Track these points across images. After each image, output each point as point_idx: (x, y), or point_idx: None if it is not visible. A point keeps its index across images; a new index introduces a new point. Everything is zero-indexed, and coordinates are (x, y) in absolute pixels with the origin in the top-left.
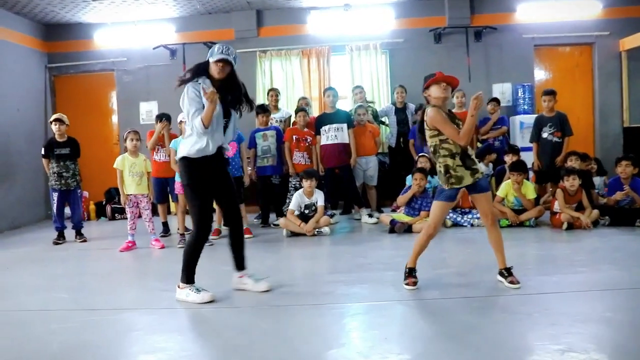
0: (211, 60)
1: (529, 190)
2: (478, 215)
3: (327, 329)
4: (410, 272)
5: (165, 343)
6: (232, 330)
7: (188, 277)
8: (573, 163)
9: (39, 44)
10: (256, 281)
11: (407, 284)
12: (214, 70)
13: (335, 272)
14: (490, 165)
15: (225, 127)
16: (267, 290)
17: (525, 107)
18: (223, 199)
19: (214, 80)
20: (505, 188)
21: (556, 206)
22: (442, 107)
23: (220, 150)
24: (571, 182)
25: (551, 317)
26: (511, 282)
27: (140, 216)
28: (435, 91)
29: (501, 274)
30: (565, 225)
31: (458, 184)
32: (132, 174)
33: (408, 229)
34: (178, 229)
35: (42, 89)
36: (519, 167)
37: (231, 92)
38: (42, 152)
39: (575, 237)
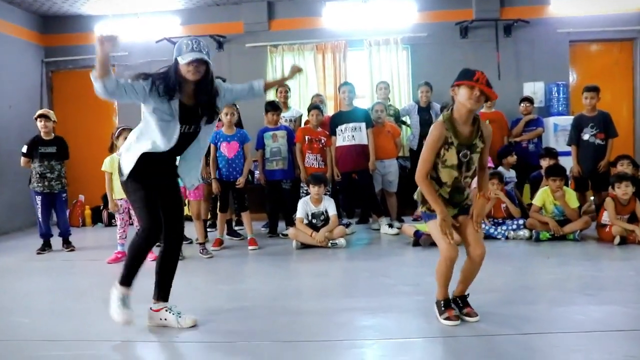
0: (181, 61)
1: (572, 198)
2: (514, 227)
3: None
4: (447, 304)
5: None
6: None
7: (126, 278)
8: (624, 168)
9: (36, 37)
10: (178, 316)
11: (447, 319)
12: (187, 73)
13: (353, 295)
14: (512, 171)
15: (193, 136)
16: (193, 326)
17: (560, 108)
18: (168, 210)
19: (187, 83)
20: (543, 195)
21: (605, 217)
22: (460, 118)
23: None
24: (624, 190)
25: None
26: (468, 314)
27: (132, 224)
28: (463, 95)
29: (454, 301)
30: (617, 240)
31: (430, 212)
32: None
33: (434, 242)
34: (197, 239)
35: (38, 85)
36: (558, 172)
37: (203, 96)
38: (24, 150)
39: (632, 254)
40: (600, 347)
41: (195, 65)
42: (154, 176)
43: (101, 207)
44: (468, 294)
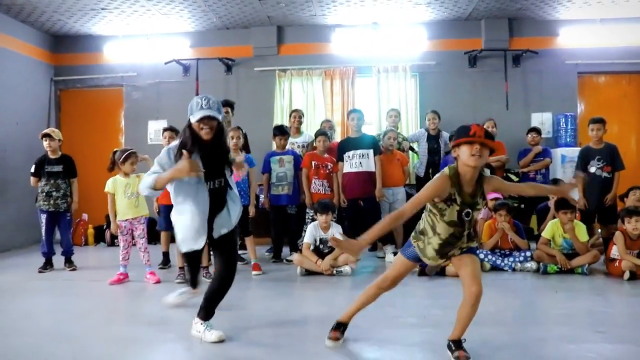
0: (192, 119)
1: (582, 231)
2: (521, 258)
3: None
4: (338, 327)
5: None
6: None
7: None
8: (637, 198)
9: (46, 56)
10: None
11: (329, 338)
12: (200, 131)
13: (358, 325)
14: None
15: (220, 190)
16: (220, 341)
17: (568, 139)
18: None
19: (203, 141)
20: (552, 228)
21: (614, 252)
22: (464, 178)
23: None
24: (634, 225)
25: None
26: (458, 358)
27: (134, 244)
28: (464, 153)
29: (449, 346)
30: (627, 275)
31: (421, 254)
32: (127, 196)
33: (441, 272)
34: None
35: (46, 103)
36: (569, 204)
37: (218, 151)
38: (32, 170)
39: None
40: None
41: (206, 122)
42: None
43: (104, 227)
44: (464, 340)
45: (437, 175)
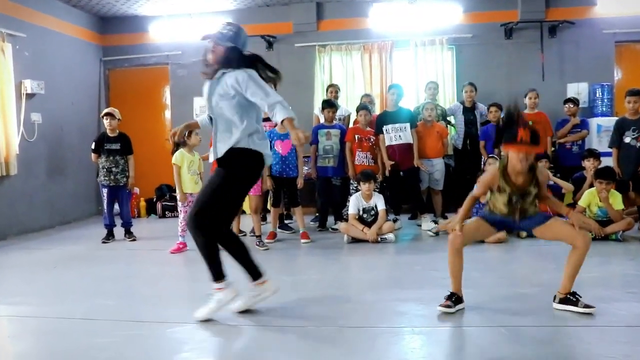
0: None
1: (617, 200)
2: None
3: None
4: (450, 297)
5: None
6: (299, 356)
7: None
8: None
9: (95, 37)
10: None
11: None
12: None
13: (407, 287)
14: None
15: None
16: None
17: (604, 109)
18: None
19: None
20: (589, 197)
21: None
22: (513, 171)
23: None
24: None
25: None
26: (587, 306)
27: None
28: (512, 156)
29: (568, 300)
30: None
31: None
32: (190, 172)
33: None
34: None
35: (97, 82)
36: (608, 175)
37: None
38: (92, 147)
39: None
40: None
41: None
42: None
43: (154, 199)
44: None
45: (490, 169)
